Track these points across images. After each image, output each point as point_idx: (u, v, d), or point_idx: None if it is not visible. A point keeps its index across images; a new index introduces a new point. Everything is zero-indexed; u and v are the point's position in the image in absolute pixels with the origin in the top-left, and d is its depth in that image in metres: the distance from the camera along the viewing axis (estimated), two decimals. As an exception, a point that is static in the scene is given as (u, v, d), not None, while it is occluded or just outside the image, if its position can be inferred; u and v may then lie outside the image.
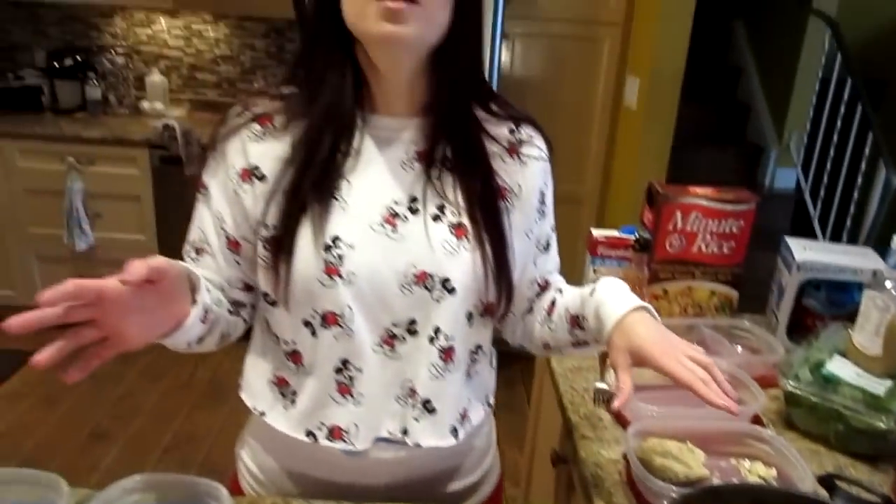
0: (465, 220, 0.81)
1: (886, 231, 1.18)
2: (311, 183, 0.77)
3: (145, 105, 3.27)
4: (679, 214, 1.32)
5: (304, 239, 0.77)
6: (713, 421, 1.04)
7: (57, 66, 3.14)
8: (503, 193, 0.85)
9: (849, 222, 3.37)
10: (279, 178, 0.79)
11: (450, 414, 0.85)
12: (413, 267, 0.79)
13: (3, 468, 0.80)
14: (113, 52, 3.32)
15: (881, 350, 1.10)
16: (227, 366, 2.98)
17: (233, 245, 0.83)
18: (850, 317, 1.20)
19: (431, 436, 0.84)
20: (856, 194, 3.30)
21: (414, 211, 0.80)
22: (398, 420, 0.84)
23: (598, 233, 1.38)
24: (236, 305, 0.87)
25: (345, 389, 0.82)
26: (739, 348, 1.29)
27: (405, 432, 0.84)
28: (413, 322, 0.81)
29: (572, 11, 2.79)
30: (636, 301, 0.85)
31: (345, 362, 0.81)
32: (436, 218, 0.81)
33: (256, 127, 0.80)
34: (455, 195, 0.82)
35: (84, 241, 2.94)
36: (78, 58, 3.18)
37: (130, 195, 2.95)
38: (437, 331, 0.81)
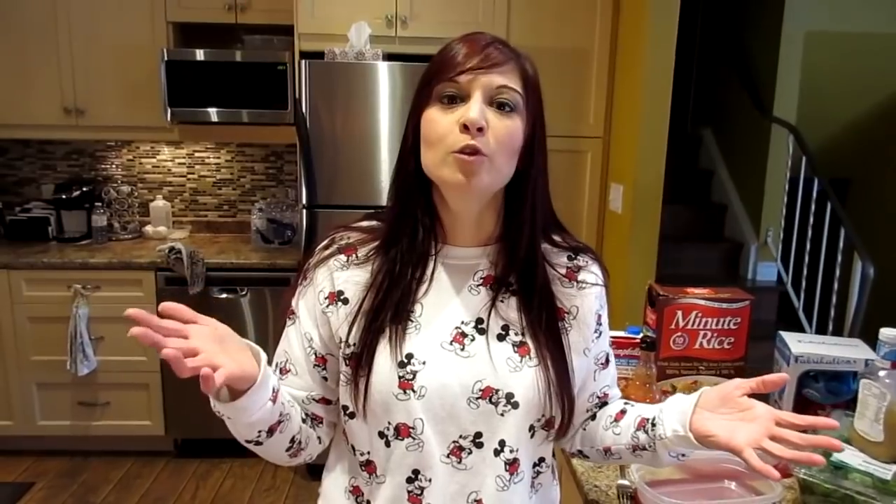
0: (528, 340, 0.89)
1: (870, 319, 1.25)
2: (390, 307, 0.86)
3: (149, 229, 3.39)
4: (680, 314, 1.41)
5: (382, 356, 0.85)
6: (736, 512, 1.08)
7: (64, 197, 3.27)
8: (561, 315, 0.92)
9: (832, 312, 3.49)
10: (360, 301, 0.88)
11: None
12: (479, 382, 0.86)
13: None
14: (118, 181, 3.48)
15: (882, 436, 1.16)
16: (228, 483, 2.93)
17: (320, 361, 0.91)
18: (849, 404, 1.27)
19: None
20: (836, 285, 3.44)
21: (481, 331, 0.88)
22: None
23: (605, 335, 1.46)
24: (313, 420, 0.95)
25: (415, 499, 0.87)
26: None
27: None
28: (479, 435, 0.86)
29: (556, 127, 2.94)
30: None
31: (416, 472, 0.86)
32: (500, 337, 0.89)
33: (342, 257, 0.91)
34: (519, 317, 0.90)
35: (87, 366, 2.95)
36: (84, 189, 3.31)
37: (134, 317, 2.99)
38: (502, 443, 0.87)
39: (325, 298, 0.90)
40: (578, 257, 0.97)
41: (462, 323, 0.89)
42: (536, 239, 0.91)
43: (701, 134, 4.74)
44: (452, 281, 0.90)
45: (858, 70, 4.31)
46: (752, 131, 4.13)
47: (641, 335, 1.43)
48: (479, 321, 0.89)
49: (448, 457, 0.87)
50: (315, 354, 0.91)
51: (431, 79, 0.86)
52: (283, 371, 0.93)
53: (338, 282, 0.90)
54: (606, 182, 3.09)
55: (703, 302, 1.41)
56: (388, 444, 0.86)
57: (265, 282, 2.97)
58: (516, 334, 0.89)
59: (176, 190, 3.55)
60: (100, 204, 3.28)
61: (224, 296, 3.00)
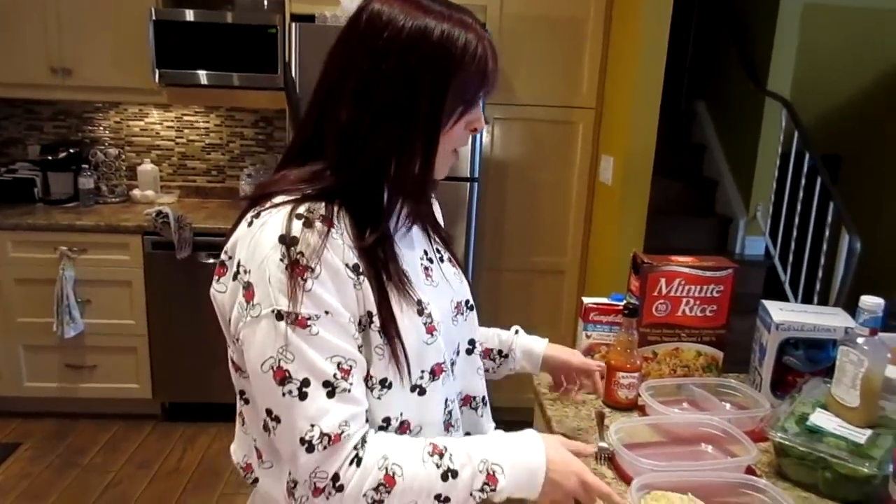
0: (451, 254, 1.04)
1: (855, 293, 1.27)
2: (383, 267, 0.85)
3: (136, 193, 3.36)
4: (663, 282, 1.41)
5: (402, 315, 0.85)
6: (711, 473, 1.10)
7: (50, 158, 3.24)
8: (441, 229, 1.07)
9: (818, 285, 3.52)
10: (367, 270, 0.83)
11: (488, 403, 1.05)
12: (451, 301, 0.97)
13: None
14: (106, 143, 3.44)
15: (858, 402, 1.18)
16: (216, 447, 2.95)
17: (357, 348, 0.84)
18: (827, 372, 1.28)
19: (489, 422, 1.03)
20: (822, 259, 3.46)
21: (430, 261, 0.98)
22: (466, 423, 1.01)
23: (589, 301, 1.47)
24: None
25: (448, 425, 0.94)
26: (728, 405, 1.37)
27: None
28: (458, 345, 0.98)
29: (548, 97, 2.99)
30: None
31: (446, 401, 0.93)
32: (441, 260, 1.01)
33: (333, 232, 0.81)
34: (434, 241, 1.02)
35: (73, 328, 2.94)
36: (71, 150, 3.27)
37: (121, 281, 2.98)
38: (471, 342, 1.01)
39: (352, 274, 0.81)
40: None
41: (420, 259, 0.96)
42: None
43: (695, 108, 4.73)
44: (396, 230, 0.94)
45: (855, 45, 4.29)
46: (746, 105, 4.12)
47: (625, 302, 1.44)
48: (425, 252, 0.98)
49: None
50: (355, 339, 0.82)
51: (471, 93, 0.86)
52: (347, 372, 0.79)
53: (347, 256, 0.82)
54: (597, 153, 3.08)
55: (686, 270, 1.42)
56: (422, 392, 0.88)
57: (254, 248, 2.96)
58: (445, 252, 1.02)
59: (164, 154, 3.51)
60: (87, 166, 3.24)
61: (211, 261, 2.98)
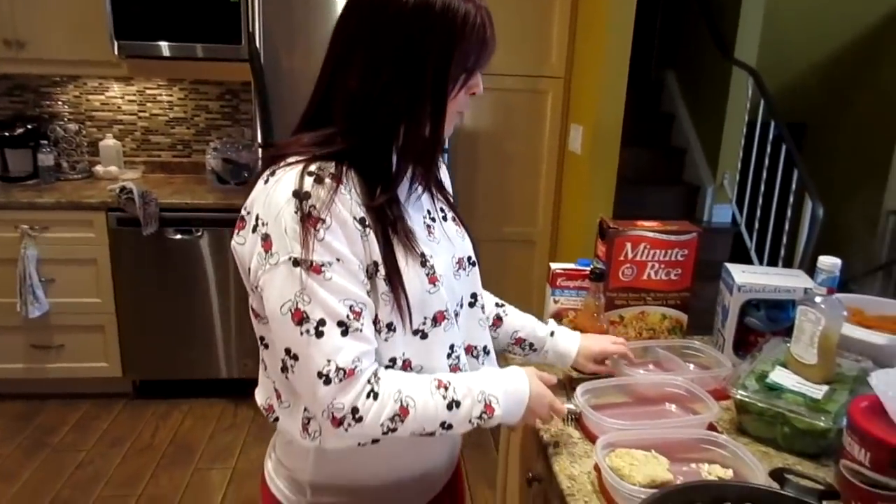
0: (454, 214, 1.09)
1: (817, 257, 1.29)
2: (390, 223, 0.93)
3: (99, 169, 3.28)
4: (629, 246, 1.43)
5: (409, 264, 0.93)
6: (674, 430, 1.12)
7: (7, 135, 3.14)
8: (446, 190, 1.13)
9: (783, 251, 3.59)
10: (374, 224, 0.91)
11: (493, 351, 1.12)
12: (453, 257, 1.03)
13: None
14: (65, 119, 3.35)
15: (816, 359, 1.21)
16: (188, 424, 2.94)
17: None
18: (788, 332, 1.31)
19: (486, 369, 1.07)
20: (787, 226, 3.53)
21: (433, 220, 1.04)
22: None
23: (556, 266, 1.48)
24: None
25: (455, 368, 1.01)
26: (692, 366, 1.39)
27: None
28: (462, 298, 1.04)
29: (517, 66, 2.97)
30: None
31: (451, 347, 1.00)
32: (444, 219, 1.06)
33: (341, 188, 0.88)
34: (437, 203, 1.07)
35: (38, 308, 2.89)
36: (29, 126, 3.18)
37: (86, 259, 2.93)
38: (474, 296, 1.08)
39: (359, 226, 0.89)
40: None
41: (423, 218, 1.02)
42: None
43: (664, 77, 4.75)
44: (410, 194, 1.02)
45: (820, 14, 4.33)
46: (714, 74, 4.15)
47: (591, 267, 1.45)
48: (428, 212, 1.04)
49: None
50: (364, 285, 0.90)
51: (472, 60, 0.93)
52: (358, 315, 0.88)
53: (355, 210, 0.89)
54: (567, 123, 3.08)
55: (651, 234, 1.44)
56: (423, 336, 0.96)
57: (224, 223, 2.92)
58: (449, 211, 1.08)
59: (127, 129, 3.43)
60: (46, 142, 3.16)
61: (179, 237, 2.94)
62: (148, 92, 3.39)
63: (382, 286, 0.91)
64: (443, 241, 1.03)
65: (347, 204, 0.88)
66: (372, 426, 0.88)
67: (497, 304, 1.29)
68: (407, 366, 0.96)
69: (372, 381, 0.88)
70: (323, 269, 0.85)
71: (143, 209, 2.83)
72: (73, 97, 3.36)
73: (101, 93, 3.37)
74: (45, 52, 2.98)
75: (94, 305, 2.97)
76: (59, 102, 3.36)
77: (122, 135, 3.42)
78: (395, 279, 0.91)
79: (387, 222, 0.92)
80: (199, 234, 2.94)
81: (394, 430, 0.89)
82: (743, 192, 3.94)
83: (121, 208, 2.85)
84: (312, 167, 0.89)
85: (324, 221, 0.86)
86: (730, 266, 1.48)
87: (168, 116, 3.43)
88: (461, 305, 1.04)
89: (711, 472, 1.03)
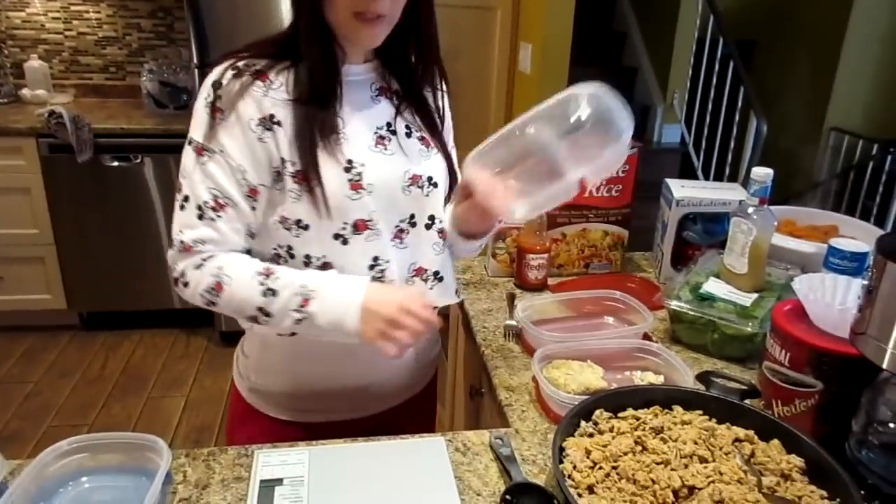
0: (426, 135, 1.06)
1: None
2: (318, 122, 0.94)
3: (26, 93, 3.10)
4: (570, 162, 1.43)
5: (327, 166, 0.94)
6: (609, 341, 1.16)
7: (-80, 55, 2.93)
8: (438, 113, 1.09)
9: (728, 169, 3.66)
10: (292, 122, 0.93)
11: (451, 279, 1.10)
12: (407, 172, 1.01)
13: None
14: (-16, 38, 3.12)
15: (747, 268, 1.25)
16: (139, 354, 2.92)
17: (252, 192, 0.95)
18: (723, 244, 1.35)
19: (444, 298, 1.08)
20: (732, 143, 3.59)
21: (392, 132, 1.02)
22: None
23: (498, 185, 1.47)
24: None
25: (378, 281, 0.99)
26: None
27: None
28: (413, 216, 1.02)
29: (463, -20, 2.87)
30: None
31: (375, 258, 0.99)
32: (407, 135, 1.03)
33: (259, 83, 0.93)
34: (413, 118, 1.05)
35: (-29, 240, 2.78)
36: (-56, 46, 2.96)
37: (18, 188, 2.80)
38: (431, 218, 1.05)
39: (258, 126, 0.93)
40: (428, 69, 1.07)
41: (377, 129, 1.01)
42: (408, 53, 1.02)
43: (616, -6, 4.65)
44: (357, 95, 1.00)
45: (771, -73, 4.25)
46: (665, -10, 4.08)
47: (534, 184, 1.45)
48: (388, 125, 1.02)
49: (393, 240, 1.01)
50: (249, 186, 0.94)
51: None
52: (219, 207, 0.94)
53: (265, 106, 0.93)
54: (516, 42, 3.02)
55: (593, 150, 1.43)
56: (344, 242, 0.97)
57: (166, 149, 2.81)
58: (417, 130, 1.05)
59: (53, 49, 3.22)
60: (-36, 64, 2.95)
61: (117, 164, 2.83)
62: (73, 8, 3.17)
63: (290, 183, 0.94)
64: (397, 154, 1.01)
65: (257, 101, 0.92)
66: (192, 294, 0.95)
67: None
68: (326, 267, 0.98)
69: (205, 257, 0.95)
70: (204, 154, 0.93)
71: (76, 135, 2.70)
72: (-10, 14, 3.12)
73: (21, 9, 3.13)
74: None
75: (30, 237, 2.87)
76: (-24, 20, 3.12)
77: (48, 56, 3.21)
78: (311, 176, 0.93)
79: (312, 121, 0.93)
80: (139, 160, 2.83)
81: (213, 303, 0.95)
82: (691, 111, 3.96)
83: (51, 134, 2.71)
84: (241, 63, 0.94)
85: (223, 113, 0.92)
86: (669, 181, 1.50)
87: (97, 36, 3.23)
88: (413, 224, 1.03)
89: (644, 378, 1.07)
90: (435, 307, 0.95)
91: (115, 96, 3.31)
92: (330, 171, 0.94)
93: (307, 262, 0.98)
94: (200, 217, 0.93)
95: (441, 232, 1.07)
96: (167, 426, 2.48)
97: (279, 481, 0.86)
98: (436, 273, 1.07)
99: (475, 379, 1.35)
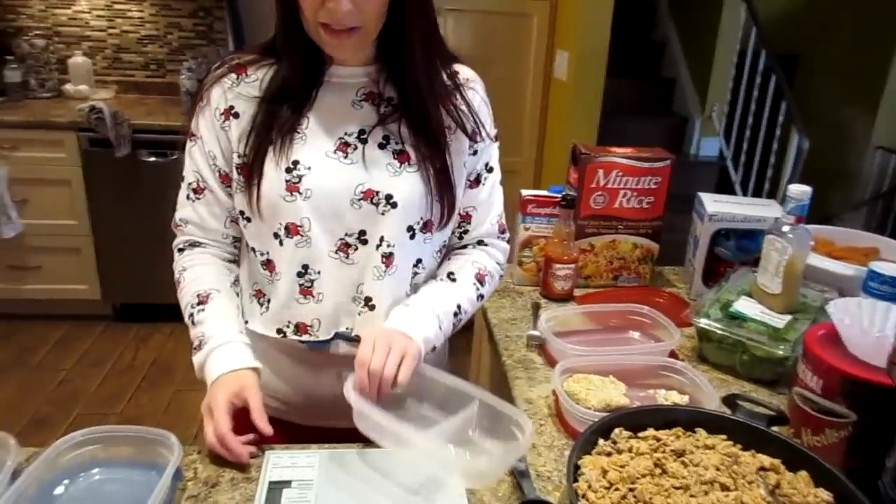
0: (408, 149, 0.97)
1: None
2: (277, 119, 0.95)
3: (69, 88, 3.17)
4: (601, 172, 1.40)
5: (269, 165, 0.94)
6: (634, 357, 1.13)
7: (-29, 48, 3.02)
8: (442, 129, 0.98)
9: (767, 185, 3.57)
10: (253, 116, 0.96)
11: (386, 312, 0.99)
12: (361, 185, 0.95)
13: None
14: (31, 34, 3.20)
15: (780, 288, 1.21)
16: (170, 347, 2.96)
17: (224, 179, 1.00)
18: (756, 262, 1.30)
19: (367, 327, 0.98)
20: (772, 158, 3.50)
21: (363, 141, 0.97)
22: (353, 318, 1.00)
23: (527, 192, 1.45)
24: (235, 241, 1.07)
25: (306, 291, 0.98)
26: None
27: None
28: (363, 232, 0.97)
29: (501, -13, 2.86)
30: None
31: (305, 266, 0.97)
32: (381, 146, 0.97)
33: (233, 76, 0.98)
34: (399, 129, 0.97)
35: (12, 228, 2.85)
36: (-6, 40, 3.05)
37: (59, 180, 2.87)
38: (381, 239, 0.97)
39: (221, 115, 0.97)
40: (459, 75, 1.03)
41: (346, 134, 0.97)
42: (416, 57, 0.94)
43: (657, 4, 4.59)
44: (338, 97, 0.98)
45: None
46: (706, 1, 4.01)
47: (563, 193, 1.43)
48: (361, 132, 0.97)
49: (336, 252, 0.97)
50: (219, 172, 1.00)
51: None
52: (199, 190, 1.01)
53: (229, 98, 0.97)
54: (552, 48, 2.99)
55: (624, 160, 1.40)
56: (281, 243, 0.97)
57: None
58: (396, 143, 0.97)
59: (97, 46, 3.30)
60: (12, 58, 3.04)
61: (153, 159, 2.88)
62: (117, 6, 3.24)
63: (235, 174, 0.98)
64: (356, 165, 0.95)
65: (224, 92, 0.97)
66: (174, 270, 1.05)
67: (449, 275, 1.07)
68: (271, 268, 0.99)
69: (184, 244, 1.05)
70: (191, 140, 1.01)
71: (115, 130, 2.75)
72: (38, 11, 3.21)
73: (68, 6, 3.22)
74: (6, -40, 2.83)
75: (69, 227, 2.93)
76: (24, 16, 3.21)
77: (92, 52, 3.29)
78: (253, 170, 0.94)
79: (273, 118, 0.95)
80: (174, 156, 2.87)
81: (177, 290, 1.04)
82: (731, 124, 3.87)
83: (92, 129, 2.77)
84: (233, 56, 1.00)
85: (202, 100, 0.99)
86: (703, 195, 1.47)
87: (139, 34, 3.30)
88: (360, 241, 0.96)
89: (668, 397, 1.04)
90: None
91: (154, 93, 3.37)
92: (270, 170, 0.94)
93: (255, 253, 1.01)
94: (188, 198, 1.02)
95: (387, 257, 0.97)
96: (193, 419, 2.50)
97: (288, 483, 0.85)
98: (367, 299, 0.98)
99: (497, 389, 1.32)
